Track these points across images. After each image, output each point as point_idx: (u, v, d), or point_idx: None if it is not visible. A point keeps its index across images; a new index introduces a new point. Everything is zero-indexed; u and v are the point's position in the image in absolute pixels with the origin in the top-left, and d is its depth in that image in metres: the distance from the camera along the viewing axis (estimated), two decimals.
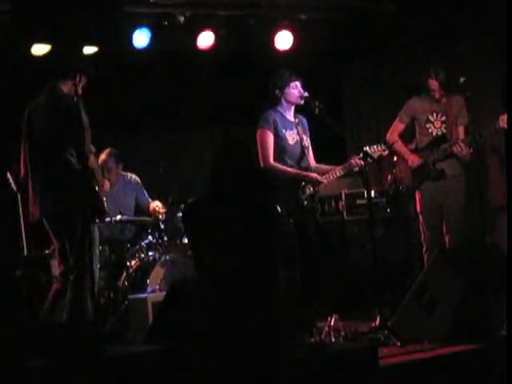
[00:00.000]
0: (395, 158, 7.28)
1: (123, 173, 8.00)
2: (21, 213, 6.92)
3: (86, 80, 5.90)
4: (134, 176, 8.02)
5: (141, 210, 7.92)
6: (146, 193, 7.99)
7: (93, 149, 5.73)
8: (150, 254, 7.41)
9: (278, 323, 4.54)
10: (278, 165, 6.45)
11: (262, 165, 6.46)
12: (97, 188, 5.70)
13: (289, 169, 6.46)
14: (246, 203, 4.58)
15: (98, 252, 5.75)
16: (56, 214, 5.75)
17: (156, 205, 7.70)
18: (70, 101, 5.73)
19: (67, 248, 5.76)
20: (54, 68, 5.99)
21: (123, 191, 7.91)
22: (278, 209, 6.24)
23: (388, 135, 7.30)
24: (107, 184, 6.16)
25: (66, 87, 5.85)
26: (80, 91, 5.82)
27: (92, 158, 5.73)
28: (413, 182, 7.15)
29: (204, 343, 4.38)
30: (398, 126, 7.30)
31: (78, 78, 5.79)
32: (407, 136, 7.34)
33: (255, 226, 4.55)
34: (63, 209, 5.70)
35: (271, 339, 4.45)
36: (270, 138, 6.47)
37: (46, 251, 6.96)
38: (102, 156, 7.85)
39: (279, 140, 6.49)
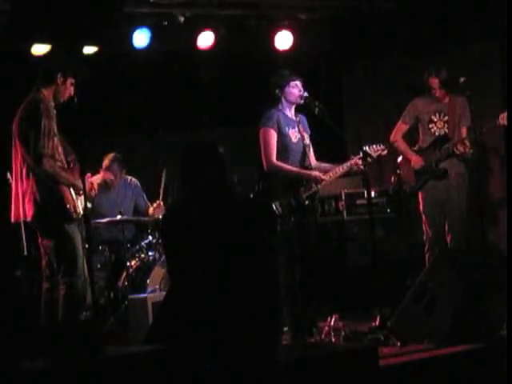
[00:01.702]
0: (399, 159, 7.29)
1: (124, 176, 8.01)
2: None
3: (73, 83, 5.91)
4: (133, 179, 8.04)
5: (140, 213, 7.91)
6: (145, 196, 8.00)
7: (49, 151, 5.74)
8: (150, 254, 7.42)
9: (275, 324, 4.53)
10: (280, 164, 6.43)
11: (264, 164, 6.46)
12: (61, 192, 5.73)
13: (291, 167, 6.45)
14: (220, 206, 4.46)
15: (81, 251, 5.77)
16: (35, 219, 5.81)
17: (158, 203, 7.70)
18: (42, 106, 5.77)
19: (50, 252, 5.86)
20: (40, 73, 6.00)
21: (123, 194, 7.93)
22: (277, 209, 6.29)
23: (392, 136, 7.32)
24: (90, 184, 6.12)
25: (47, 92, 5.89)
26: (70, 94, 5.86)
27: (52, 162, 5.74)
28: (416, 183, 7.17)
29: (204, 343, 4.38)
30: (401, 127, 7.32)
31: (61, 82, 5.84)
32: (410, 138, 7.35)
33: (233, 229, 4.42)
34: (32, 214, 5.77)
35: (270, 339, 4.44)
36: (274, 136, 6.45)
37: None
38: (105, 161, 7.84)
39: (283, 138, 6.47)
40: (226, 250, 4.38)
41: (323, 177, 6.45)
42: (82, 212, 5.78)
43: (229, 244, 4.38)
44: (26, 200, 5.78)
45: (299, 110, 6.65)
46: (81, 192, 5.77)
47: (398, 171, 7.27)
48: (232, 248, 4.38)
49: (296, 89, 6.50)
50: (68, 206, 5.76)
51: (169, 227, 4.55)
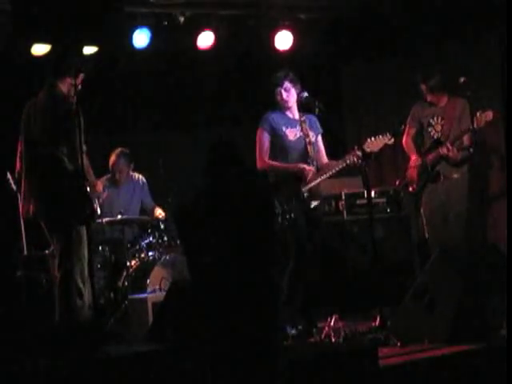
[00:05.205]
0: (412, 159, 7.29)
1: (131, 173, 8.00)
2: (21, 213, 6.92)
3: (82, 77, 5.90)
4: (140, 176, 8.03)
5: (144, 211, 7.92)
6: (150, 195, 7.99)
7: (84, 148, 5.71)
8: (150, 254, 7.42)
9: (276, 321, 4.54)
10: (269, 161, 6.52)
11: (257, 163, 6.54)
12: (88, 189, 5.70)
13: (278, 164, 6.50)
14: (237, 202, 4.59)
15: (86, 252, 5.74)
16: (49, 216, 5.77)
17: (159, 213, 7.73)
18: (65, 100, 5.74)
19: (56, 248, 5.81)
20: (53, 67, 5.99)
21: (131, 192, 7.92)
22: (279, 207, 6.30)
23: (403, 141, 7.32)
24: (100, 185, 6.14)
25: (64, 86, 5.86)
26: (79, 88, 5.84)
27: (83, 157, 5.72)
28: (417, 184, 7.18)
29: (204, 342, 4.38)
30: (409, 131, 7.34)
31: (75, 78, 5.81)
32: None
33: (248, 225, 4.54)
34: (55, 212, 5.73)
35: (270, 338, 4.44)
36: (266, 137, 6.54)
37: (46, 251, 6.96)
38: (112, 157, 7.83)
39: (278, 138, 6.53)
40: (244, 240, 4.58)
41: (308, 167, 6.45)
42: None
43: (247, 235, 4.61)
44: (44, 200, 5.73)
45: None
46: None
47: (406, 173, 7.29)
48: (250, 239, 4.61)
49: (286, 92, 6.51)
50: (91, 204, 5.74)
51: (188, 219, 4.77)
